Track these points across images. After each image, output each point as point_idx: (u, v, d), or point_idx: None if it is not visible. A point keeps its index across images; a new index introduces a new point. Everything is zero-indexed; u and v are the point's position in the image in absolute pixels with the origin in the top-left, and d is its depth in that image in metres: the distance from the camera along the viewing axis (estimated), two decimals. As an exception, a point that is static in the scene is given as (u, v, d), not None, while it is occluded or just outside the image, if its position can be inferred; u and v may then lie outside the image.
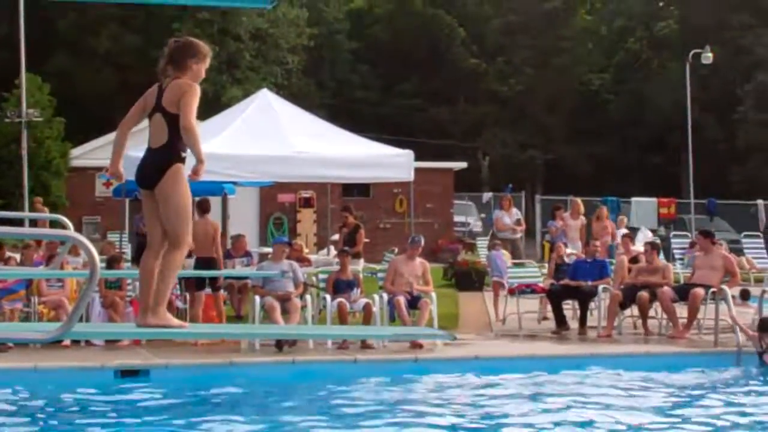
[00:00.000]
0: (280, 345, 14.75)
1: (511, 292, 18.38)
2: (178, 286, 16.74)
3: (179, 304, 16.48)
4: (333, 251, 21.02)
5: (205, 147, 17.24)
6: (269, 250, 19.55)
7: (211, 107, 35.19)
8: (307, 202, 34.36)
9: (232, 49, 47.84)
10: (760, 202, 35.00)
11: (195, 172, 7.85)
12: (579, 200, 25.25)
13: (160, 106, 8.02)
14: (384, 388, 13.00)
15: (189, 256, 14.63)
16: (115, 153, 8.23)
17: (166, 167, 7.93)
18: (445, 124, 58.20)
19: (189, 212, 8.05)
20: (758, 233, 30.53)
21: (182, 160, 8.00)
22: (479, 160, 56.88)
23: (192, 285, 16.42)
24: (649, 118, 56.00)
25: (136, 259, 16.89)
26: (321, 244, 29.87)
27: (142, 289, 8.14)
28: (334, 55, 59.08)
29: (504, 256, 20.23)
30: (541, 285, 18.51)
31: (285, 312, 15.36)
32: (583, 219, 23.72)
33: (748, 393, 12.95)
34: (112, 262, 16.07)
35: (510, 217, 24.57)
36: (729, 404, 12.00)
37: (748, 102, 54.20)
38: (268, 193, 32.61)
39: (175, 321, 8.34)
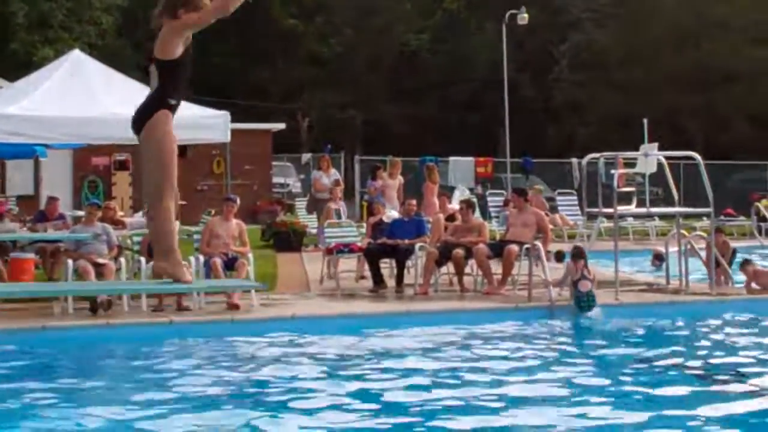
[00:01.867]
0: (94, 308, 14.64)
1: (329, 251, 18.58)
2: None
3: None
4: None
5: (14, 108, 17.25)
6: (83, 213, 19.33)
7: (21, 68, 34.45)
8: (122, 165, 33.97)
9: (43, 8, 46.75)
10: (574, 160, 35.98)
11: None
12: (398, 160, 25.64)
13: (152, 58, 7.93)
14: (199, 349, 13.07)
15: None
16: None
17: (151, 112, 7.78)
18: (264, 85, 58.03)
19: (173, 160, 7.82)
20: (572, 191, 31.41)
21: (168, 107, 7.83)
22: (299, 121, 56.97)
23: (4, 250, 16.16)
24: (467, 77, 56.90)
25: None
26: (137, 206, 29.59)
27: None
28: (149, 15, 58.11)
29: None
30: (358, 244, 18.75)
31: (99, 275, 15.25)
32: (401, 178, 24.10)
33: (559, 345, 13.44)
34: None
35: (328, 177, 24.78)
36: (540, 357, 12.44)
37: (563, 62, 55.57)
38: (82, 155, 32.09)
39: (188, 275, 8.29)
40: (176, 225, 8.35)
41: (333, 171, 25.52)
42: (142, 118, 7.81)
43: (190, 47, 7.90)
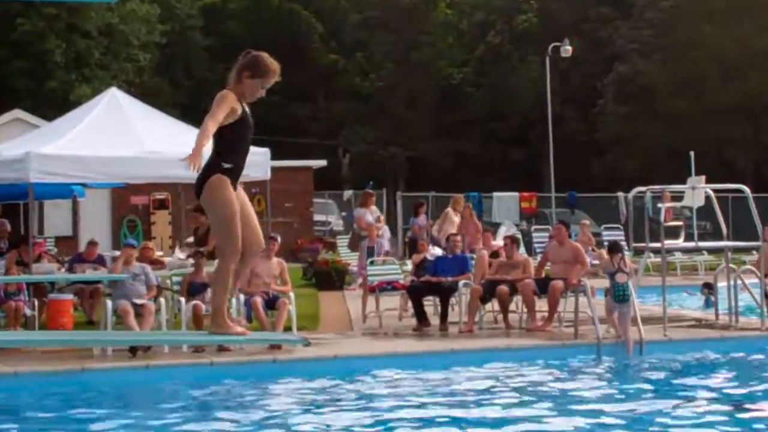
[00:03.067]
0: (134, 350, 14.67)
1: (372, 289, 18.56)
2: (26, 291, 16.60)
3: (27, 311, 16.32)
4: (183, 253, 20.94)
5: (51, 148, 17.34)
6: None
7: (59, 106, 34.79)
8: (161, 204, 34.10)
9: (80, 45, 47.21)
10: (620, 194, 35.71)
11: (186, 158, 7.78)
12: (460, 196, 25.61)
13: None
14: (241, 391, 13.05)
15: None
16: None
17: (206, 178, 7.94)
18: (304, 122, 58.27)
19: (231, 223, 7.96)
20: (618, 225, 31.22)
21: (224, 171, 7.96)
22: (340, 157, 57.11)
23: (42, 291, 16.22)
24: (510, 112, 56.91)
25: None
26: (176, 246, 29.70)
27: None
28: (187, 52, 58.68)
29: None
30: (401, 282, 18.73)
31: (138, 315, 15.30)
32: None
33: (608, 383, 13.34)
34: None
35: (371, 214, 24.73)
36: (586, 396, 12.36)
37: (608, 94, 55.43)
38: (121, 195, 32.25)
39: (238, 328, 8.33)
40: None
41: (374, 208, 25.43)
42: (199, 184, 7.99)
43: (247, 114, 8.07)
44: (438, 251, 20.18)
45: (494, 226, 30.63)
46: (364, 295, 18.90)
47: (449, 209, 24.70)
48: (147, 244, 19.99)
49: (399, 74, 59.00)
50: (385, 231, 21.58)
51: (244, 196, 8.17)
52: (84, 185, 21.44)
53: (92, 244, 19.21)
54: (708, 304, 20.06)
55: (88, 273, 17.95)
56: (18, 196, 21.45)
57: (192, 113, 43.32)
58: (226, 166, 7.99)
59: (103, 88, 28.68)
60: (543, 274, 17.66)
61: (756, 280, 17.35)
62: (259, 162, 18.84)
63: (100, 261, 18.79)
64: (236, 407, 12.07)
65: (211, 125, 7.76)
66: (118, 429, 10.84)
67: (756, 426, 10.53)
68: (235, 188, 8.01)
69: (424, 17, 60.92)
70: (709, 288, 20.05)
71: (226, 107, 7.88)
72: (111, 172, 18.31)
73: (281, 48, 59.27)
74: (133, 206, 34.02)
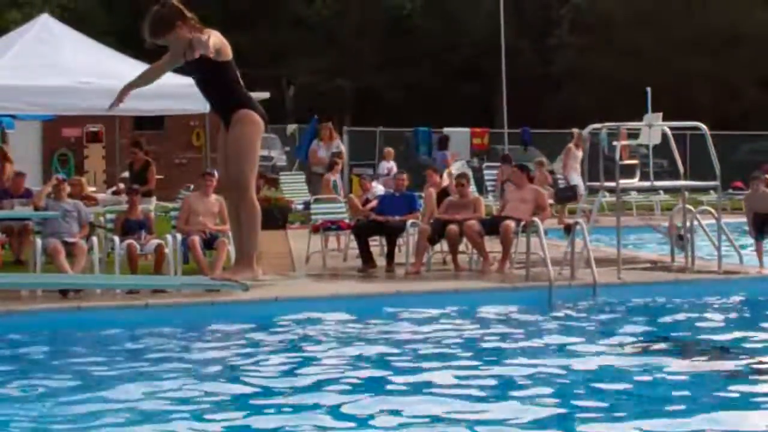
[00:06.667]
0: (65, 291, 14.59)
1: (316, 229, 18.56)
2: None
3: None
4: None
5: (-24, 78, 16.98)
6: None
7: (-14, 33, 34.26)
8: (94, 137, 33.81)
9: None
10: (575, 130, 35.75)
11: None
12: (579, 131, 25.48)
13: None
14: (177, 335, 13.03)
15: None
16: None
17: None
18: (245, 52, 57.80)
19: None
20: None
21: None
22: (283, 89, 56.78)
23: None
24: (462, 43, 56.69)
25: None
26: (110, 181, 29.51)
27: None
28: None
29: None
30: (347, 221, 18.73)
31: (70, 255, 15.19)
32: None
33: (559, 326, 13.43)
34: None
35: (327, 149, 24.58)
36: (537, 338, 12.46)
37: (564, 25, 55.44)
38: (52, 127, 31.96)
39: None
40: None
41: (336, 142, 25.24)
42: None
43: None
44: (381, 189, 20.18)
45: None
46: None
47: (571, 144, 24.57)
48: (73, 180, 19.73)
49: (346, 1, 58.62)
50: (377, 188, 21.32)
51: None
52: (13, 117, 21.20)
53: (18, 175, 18.86)
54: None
55: (18, 209, 17.74)
56: (-58, 127, 21.20)
57: (128, 41, 42.91)
58: None
59: (34, 14, 28.28)
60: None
61: (713, 221, 17.48)
62: (196, 94, 18.63)
63: (27, 195, 18.55)
64: (171, 351, 12.05)
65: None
66: (48, 374, 10.78)
67: (703, 369, 10.65)
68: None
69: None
70: (680, 239, 20.10)
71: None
72: (41, 103, 18.14)
73: (222, -27, 58.94)
74: (66, 139, 33.72)
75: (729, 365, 11.15)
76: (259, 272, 7.82)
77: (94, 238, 15.94)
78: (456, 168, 27.91)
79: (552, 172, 29.44)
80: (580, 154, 24.10)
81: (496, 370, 10.72)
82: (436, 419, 8.78)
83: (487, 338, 12.56)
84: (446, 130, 37.50)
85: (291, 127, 43.99)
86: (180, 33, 7.57)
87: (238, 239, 7.83)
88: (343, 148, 25.63)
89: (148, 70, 8.09)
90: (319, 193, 22.04)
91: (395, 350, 11.79)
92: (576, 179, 22.37)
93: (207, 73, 7.73)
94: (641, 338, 12.65)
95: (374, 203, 18.54)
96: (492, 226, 17.04)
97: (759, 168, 21.38)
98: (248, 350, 11.97)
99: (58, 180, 17.47)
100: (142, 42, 7.72)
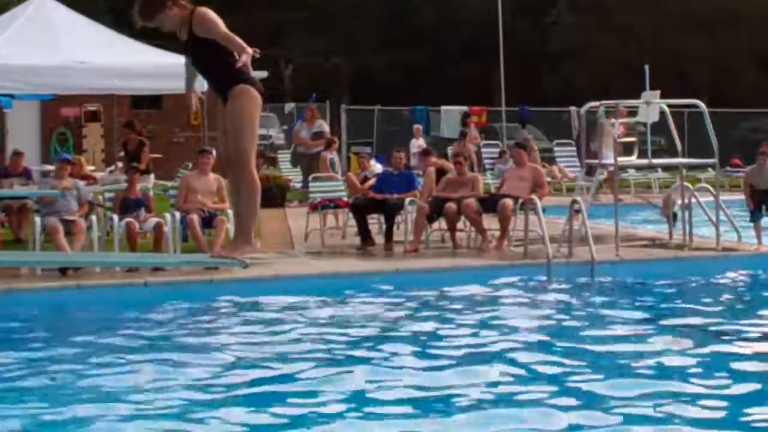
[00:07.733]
0: (64, 269, 14.61)
1: (313, 207, 18.58)
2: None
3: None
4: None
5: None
6: (52, 167, 19.25)
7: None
8: (93, 116, 33.77)
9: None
10: (573, 108, 35.73)
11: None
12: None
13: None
14: (177, 312, 13.05)
15: None
16: None
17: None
18: (242, 30, 57.59)
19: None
20: (570, 141, 31.37)
21: None
22: (281, 68, 56.68)
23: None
24: (460, 22, 56.58)
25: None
26: (109, 160, 29.52)
27: None
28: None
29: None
30: (345, 199, 18.75)
31: (69, 233, 15.20)
32: None
33: (557, 304, 13.46)
34: None
35: (309, 129, 24.62)
36: (534, 316, 12.49)
37: (561, 3, 55.34)
38: (50, 106, 31.93)
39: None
40: None
41: (318, 123, 25.25)
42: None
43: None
44: (379, 167, 20.19)
45: (442, 141, 30.67)
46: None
47: (604, 120, 24.41)
48: (76, 158, 19.79)
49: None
50: (376, 167, 21.33)
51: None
52: (11, 96, 21.19)
53: (17, 154, 18.90)
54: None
55: (17, 188, 17.76)
56: (-60, 107, 21.21)
57: (125, 20, 42.77)
58: None
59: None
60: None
61: (711, 198, 17.49)
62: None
63: (26, 174, 18.57)
64: (170, 329, 12.07)
65: None
66: (47, 352, 10.82)
67: (699, 350, 10.67)
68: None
69: None
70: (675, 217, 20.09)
71: None
72: (39, 83, 18.18)
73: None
74: (64, 118, 33.68)
75: (726, 342, 11.18)
76: (257, 245, 7.86)
77: (93, 217, 15.97)
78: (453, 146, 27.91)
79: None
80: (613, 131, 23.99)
81: (496, 346, 10.75)
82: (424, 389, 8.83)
83: (486, 315, 12.58)
84: (443, 108, 37.53)
85: (289, 106, 43.99)
86: (170, 13, 7.64)
87: (238, 214, 7.87)
88: (326, 128, 25.61)
89: (186, 67, 8.37)
90: (306, 172, 22.12)
91: (393, 327, 11.84)
92: (609, 156, 22.12)
93: (202, 50, 7.77)
94: (639, 315, 12.68)
95: (372, 181, 18.57)
96: (490, 204, 17.07)
97: (758, 145, 21.26)
98: (248, 328, 11.99)
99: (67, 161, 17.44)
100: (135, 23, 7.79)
